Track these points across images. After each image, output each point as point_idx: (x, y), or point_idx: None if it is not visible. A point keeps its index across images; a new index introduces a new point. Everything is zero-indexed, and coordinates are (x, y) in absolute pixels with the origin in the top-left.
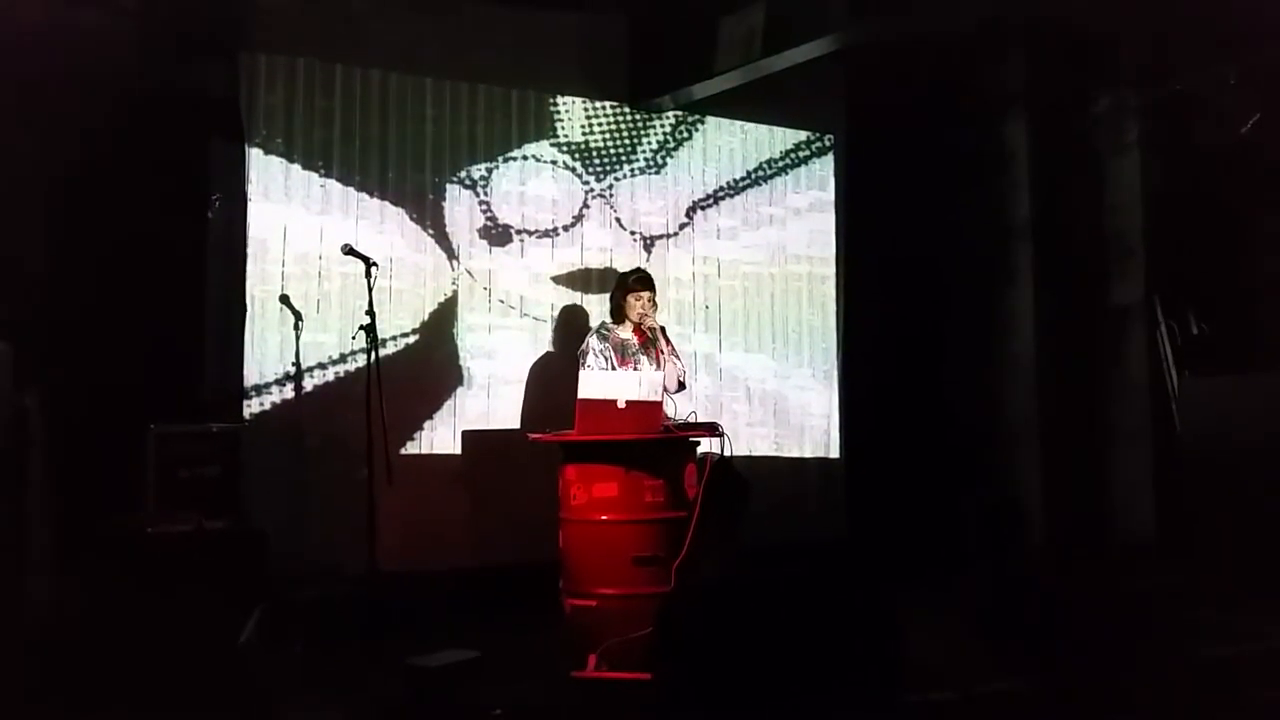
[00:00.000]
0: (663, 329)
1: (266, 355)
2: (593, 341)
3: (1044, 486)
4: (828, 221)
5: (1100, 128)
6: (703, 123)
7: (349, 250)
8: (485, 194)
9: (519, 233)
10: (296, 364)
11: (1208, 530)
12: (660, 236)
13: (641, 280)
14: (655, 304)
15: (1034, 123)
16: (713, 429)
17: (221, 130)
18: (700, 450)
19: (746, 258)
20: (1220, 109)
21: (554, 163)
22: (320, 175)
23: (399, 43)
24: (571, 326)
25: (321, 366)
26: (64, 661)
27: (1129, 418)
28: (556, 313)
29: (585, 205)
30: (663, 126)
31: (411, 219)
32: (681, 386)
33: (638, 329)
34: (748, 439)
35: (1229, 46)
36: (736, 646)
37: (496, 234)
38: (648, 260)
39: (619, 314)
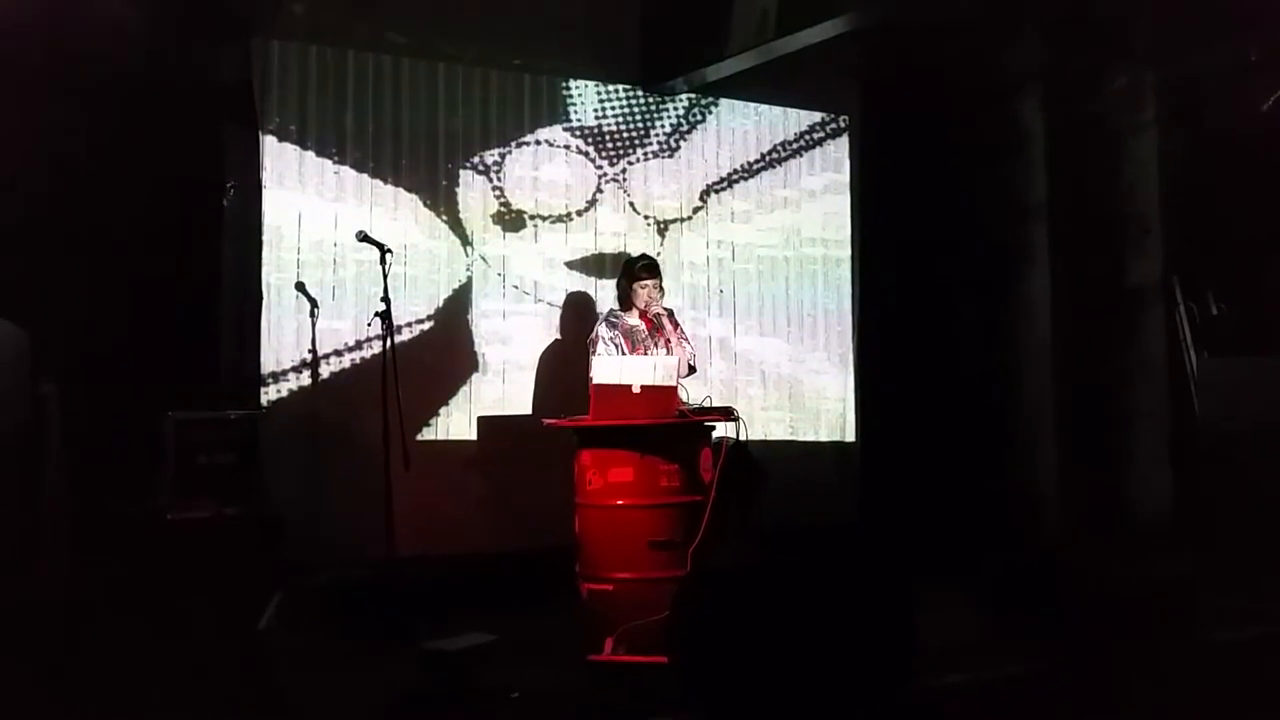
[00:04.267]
0: (671, 312)
1: (283, 342)
2: (602, 329)
3: (1061, 469)
4: (843, 204)
5: (1117, 106)
6: (716, 105)
7: (364, 237)
8: (498, 179)
9: (532, 218)
10: (313, 351)
11: (1226, 513)
12: (674, 220)
13: (647, 268)
14: (662, 290)
15: (1050, 102)
16: (728, 413)
17: (235, 117)
18: (716, 435)
19: (761, 241)
20: (1239, 87)
21: (567, 147)
22: (334, 162)
23: (412, 28)
24: (581, 312)
25: (338, 353)
26: (83, 648)
27: (1147, 399)
28: (565, 299)
29: (599, 190)
30: (676, 109)
31: (425, 205)
32: (692, 370)
33: (645, 315)
34: (763, 423)
35: (1248, 23)
36: (752, 631)
37: (510, 219)
38: (661, 244)
39: (626, 301)
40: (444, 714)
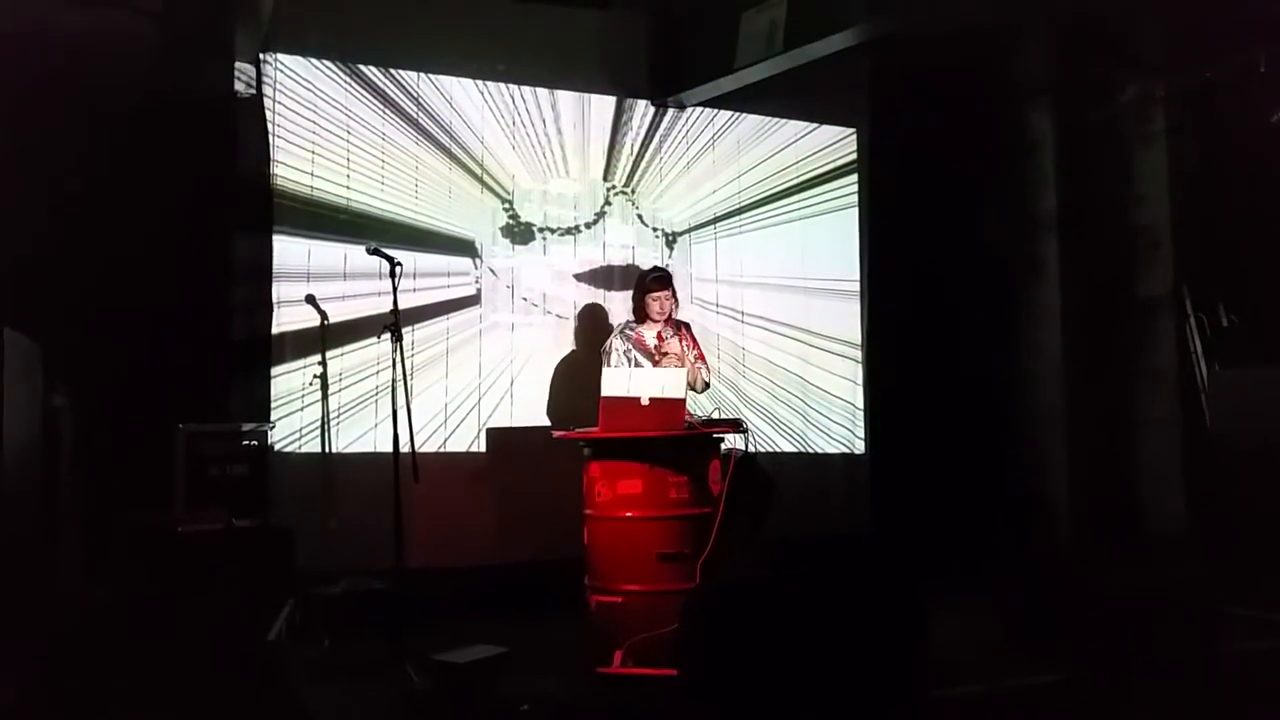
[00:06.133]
0: (687, 325)
1: (293, 354)
2: (615, 341)
3: (1072, 480)
4: (852, 215)
5: (1127, 117)
6: (725, 118)
7: (374, 250)
8: (507, 192)
9: (541, 230)
10: (322, 362)
11: (1238, 523)
12: (682, 232)
13: (659, 279)
14: (676, 301)
15: (1060, 112)
16: (736, 425)
17: (246, 130)
18: (724, 446)
19: (770, 252)
20: (1249, 97)
21: (575, 159)
22: (345, 175)
23: (421, 43)
24: (592, 324)
25: (347, 365)
26: (93, 660)
27: (1158, 410)
28: (578, 310)
29: (607, 202)
30: (684, 123)
31: (435, 218)
32: (706, 385)
33: (659, 328)
34: (772, 435)
35: (1257, 34)
36: (762, 643)
37: (519, 232)
38: (670, 257)
39: (640, 313)
40: None
